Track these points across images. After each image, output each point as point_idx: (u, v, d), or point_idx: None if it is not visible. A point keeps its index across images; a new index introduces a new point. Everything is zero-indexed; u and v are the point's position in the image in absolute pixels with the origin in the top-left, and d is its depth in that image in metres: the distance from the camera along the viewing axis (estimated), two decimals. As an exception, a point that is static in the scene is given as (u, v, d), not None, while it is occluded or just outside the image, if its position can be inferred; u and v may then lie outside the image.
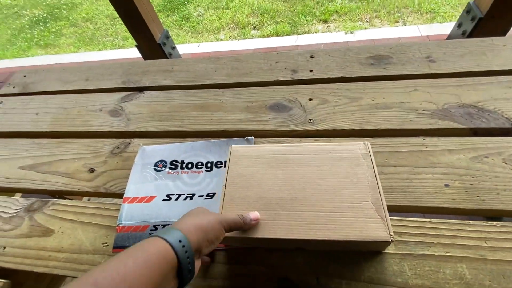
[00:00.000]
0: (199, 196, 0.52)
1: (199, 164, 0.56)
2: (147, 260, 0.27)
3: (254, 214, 0.39)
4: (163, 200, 0.52)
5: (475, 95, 0.58)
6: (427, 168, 0.50)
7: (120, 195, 0.57)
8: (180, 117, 0.68)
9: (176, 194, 0.53)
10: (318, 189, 0.41)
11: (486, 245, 0.41)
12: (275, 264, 0.44)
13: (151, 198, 0.53)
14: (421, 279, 0.40)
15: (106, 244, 0.50)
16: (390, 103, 0.60)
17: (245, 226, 0.38)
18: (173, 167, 0.57)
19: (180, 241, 0.31)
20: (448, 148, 0.52)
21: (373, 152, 0.46)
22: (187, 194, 0.53)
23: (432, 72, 0.65)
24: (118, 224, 0.50)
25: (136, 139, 0.66)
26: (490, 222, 0.43)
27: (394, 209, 0.47)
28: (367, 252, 0.43)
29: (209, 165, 0.56)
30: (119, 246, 0.48)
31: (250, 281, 0.43)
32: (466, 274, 0.39)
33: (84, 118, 0.74)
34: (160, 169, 0.57)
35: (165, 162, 0.58)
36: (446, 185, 0.47)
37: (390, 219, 0.41)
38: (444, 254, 0.41)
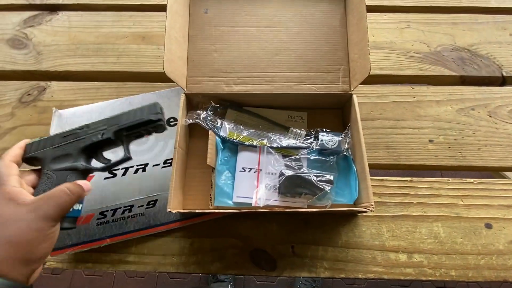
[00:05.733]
0: (154, 165, 0.41)
1: None
2: None
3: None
4: (106, 178, 0.40)
5: (469, 36, 0.52)
6: (413, 121, 0.45)
7: (40, 159, 0.43)
8: (114, 51, 0.50)
9: (122, 168, 0.41)
10: None
11: (462, 203, 0.40)
12: (247, 235, 0.39)
13: (89, 178, 0.40)
14: (397, 240, 0.38)
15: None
16: (380, 42, 0.51)
17: (84, 193, 0.30)
18: None
19: None
20: (437, 98, 0.47)
21: (358, 102, 0.39)
22: (137, 165, 0.41)
23: (428, 5, 0.55)
24: None
25: (54, 82, 0.48)
26: (468, 180, 0.41)
27: (375, 167, 0.43)
28: (345, 216, 0.40)
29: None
30: (58, 248, 0.38)
31: (223, 255, 0.38)
32: (440, 233, 0.38)
33: (-32, 49, 0.51)
34: None
35: None
36: (431, 141, 0.44)
37: (372, 179, 0.37)
38: (422, 214, 0.39)
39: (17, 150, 0.31)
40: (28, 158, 0.32)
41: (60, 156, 0.32)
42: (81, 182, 0.30)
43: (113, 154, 0.35)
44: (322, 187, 0.37)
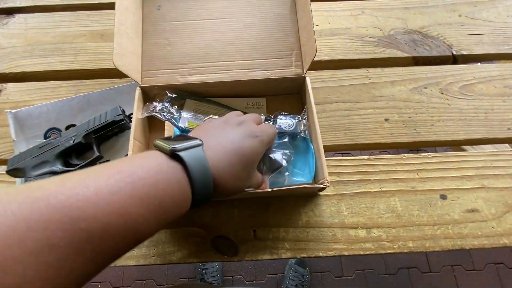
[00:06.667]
0: None
1: None
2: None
3: None
4: None
5: (420, 19, 0.54)
6: (369, 102, 0.46)
7: (-4, 161, 0.42)
8: (71, 50, 0.50)
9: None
10: None
11: (417, 176, 0.41)
12: (209, 223, 0.38)
13: None
14: (356, 217, 0.39)
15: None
16: (336, 29, 0.52)
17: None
18: None
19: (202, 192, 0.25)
20: (391, 79, 0.48)
21: (314, 87, 0.40)
22: (99, 163, 0.41)
23: (381, -9, 0.57)
24: None
25: (10, 84, 0.47)
26: (423, 154, 0.42)
27: (333, 149, 0.44)
28: (305, 197, 0.40)
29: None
30: None
31: (184, 244, 0.37)
32: (398, 207, 0.39)
33: None
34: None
35: (58, 130, 0.43)
36: (386, 120, 0.45)
37: (330, 159, 0.38)
38: (380, 190, 0.40)
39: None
40: (11, 170, 0.37)
41: (39, 164, 0.37)
42: None
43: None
44: (279, 161, 0.38)
